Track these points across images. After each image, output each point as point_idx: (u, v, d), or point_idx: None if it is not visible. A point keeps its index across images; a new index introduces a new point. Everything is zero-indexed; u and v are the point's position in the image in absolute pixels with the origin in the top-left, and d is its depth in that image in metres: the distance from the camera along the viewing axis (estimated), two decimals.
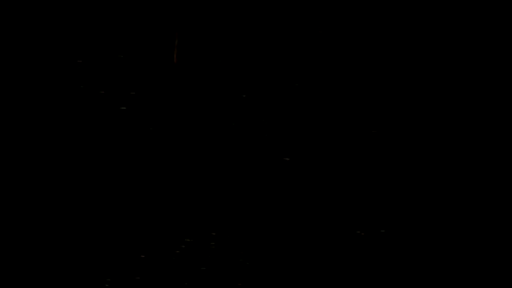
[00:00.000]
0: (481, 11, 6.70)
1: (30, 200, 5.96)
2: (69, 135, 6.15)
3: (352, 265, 5.88)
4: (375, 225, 6.00)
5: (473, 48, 6.67)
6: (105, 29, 6.45)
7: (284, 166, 6.04)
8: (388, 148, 6.27)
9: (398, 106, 6.45)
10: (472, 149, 6.52)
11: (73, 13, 6.44)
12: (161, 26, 6.42)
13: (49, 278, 5.65)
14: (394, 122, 6.37)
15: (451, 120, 6.54)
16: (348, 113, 6.31)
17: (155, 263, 5.71)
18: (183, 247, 5.74)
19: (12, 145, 6.09)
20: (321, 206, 6.02)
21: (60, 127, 6.13)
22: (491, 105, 6.65)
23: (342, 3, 6.54)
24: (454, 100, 6.57)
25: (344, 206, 6.00)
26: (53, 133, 6.14)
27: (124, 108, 6.24)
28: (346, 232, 5.90)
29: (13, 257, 5.72)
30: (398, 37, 6.59)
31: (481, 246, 6.27)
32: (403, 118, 6.45)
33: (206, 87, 6.23)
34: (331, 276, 5.83)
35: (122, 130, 6.16)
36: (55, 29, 6.39)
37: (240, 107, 6.14)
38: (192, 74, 6.25)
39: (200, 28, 6.33)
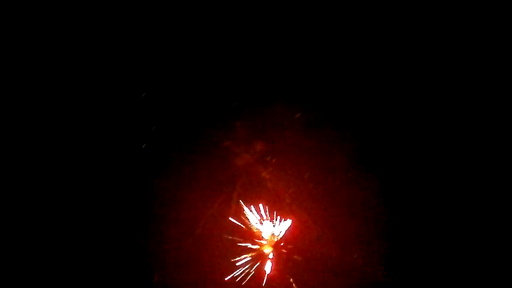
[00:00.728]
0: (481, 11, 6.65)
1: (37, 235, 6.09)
2: (88, 176, 6.24)
3: None
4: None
5: (473, 48, 6.65)
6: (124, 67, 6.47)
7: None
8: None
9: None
10: (472, 149, 6.60)
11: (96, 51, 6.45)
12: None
13: None
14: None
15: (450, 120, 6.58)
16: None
17: None
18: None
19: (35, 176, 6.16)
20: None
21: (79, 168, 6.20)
22: (491, 105, 6.67)
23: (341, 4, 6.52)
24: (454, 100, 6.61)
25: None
26: (70, 175, 6.22)
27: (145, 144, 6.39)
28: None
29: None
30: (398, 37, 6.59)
31: (481, 246, 6.43)
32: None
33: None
34: None
35: (140, 166, 6.24)
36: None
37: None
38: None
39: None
